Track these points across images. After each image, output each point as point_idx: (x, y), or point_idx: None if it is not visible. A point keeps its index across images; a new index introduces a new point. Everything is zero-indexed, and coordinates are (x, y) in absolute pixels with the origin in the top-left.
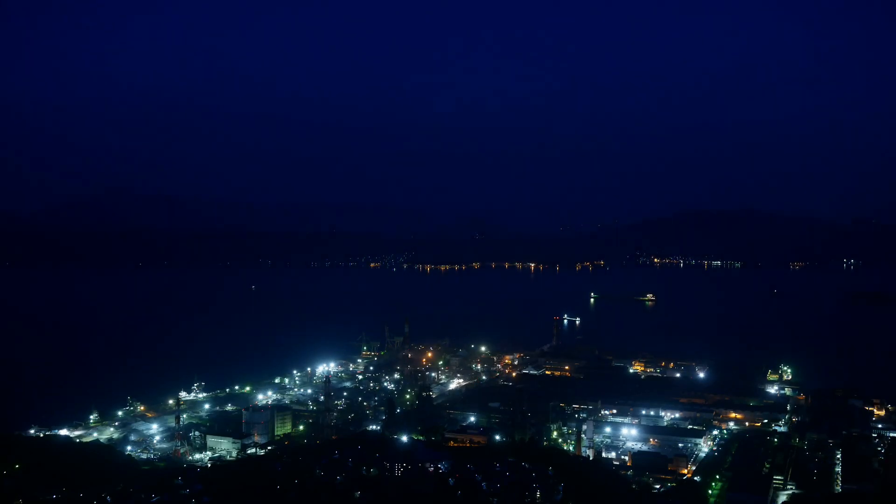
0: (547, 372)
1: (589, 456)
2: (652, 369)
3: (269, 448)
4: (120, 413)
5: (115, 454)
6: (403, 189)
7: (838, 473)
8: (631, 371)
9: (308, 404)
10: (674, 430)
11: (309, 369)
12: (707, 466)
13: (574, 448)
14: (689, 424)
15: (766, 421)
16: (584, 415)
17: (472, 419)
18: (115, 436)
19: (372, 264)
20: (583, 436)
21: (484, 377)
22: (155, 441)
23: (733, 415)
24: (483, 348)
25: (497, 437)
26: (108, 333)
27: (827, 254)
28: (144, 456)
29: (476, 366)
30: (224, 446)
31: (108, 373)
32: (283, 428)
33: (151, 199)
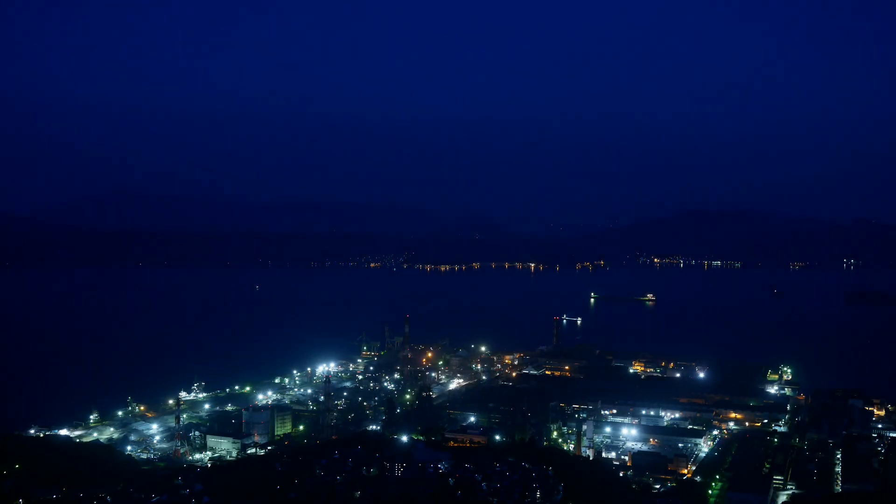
0: (547, 372)
1: (589, 456)
2: (652, 369)
3: (269, 448)
4: (120, 413)
5: (115, 454)
6: (403, 189)
7: (838, 473)
8: (631, 371)
9: (308, 404)
10: (674, 430)
11: (309, 369)
12: (707, 466)
13: (574, 448)
14: (689, 424)
15: (766, 421)
16: (584, 415)
17: (472, 419)
18: (115, 436)
19: (372, 264)
20: (583, 436)
21: (484, 377)
22: (155, 441)
23: (733, 415)
24: (483, 348)
25: (497, 437)
26: (109, 333)
27: (827, 254)
28: (144, 456)
29: (476, 366)
30: (224, 446)
31: (108, 373)
32: (283, 428)
33: (152, 199)
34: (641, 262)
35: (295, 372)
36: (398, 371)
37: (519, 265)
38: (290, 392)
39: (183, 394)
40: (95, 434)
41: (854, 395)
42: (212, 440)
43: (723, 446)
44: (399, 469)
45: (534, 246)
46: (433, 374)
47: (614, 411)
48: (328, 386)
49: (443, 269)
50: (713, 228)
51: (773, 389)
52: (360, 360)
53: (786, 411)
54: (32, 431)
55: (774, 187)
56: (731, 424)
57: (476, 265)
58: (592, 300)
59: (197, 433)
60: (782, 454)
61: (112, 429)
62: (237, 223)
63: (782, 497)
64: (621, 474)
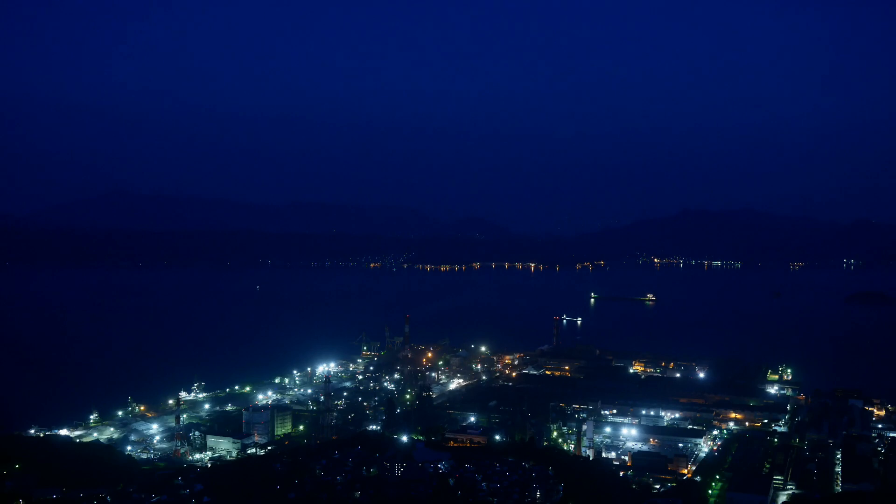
0: (547, 372)
1: (589, 456)
2: (652, 369)
3: (269, 448)
4: (120, 413)
5: (115, 454)
6: (403, 189)
7: (838, 473)
8: (631, 371)
9: (308, 404)
10: (674, 430)
11: (309, 369)
12: (707, 466)
13: (574, 448)
14: (689, 424)
15: (766, 421)
16: (584, 415)
17: (472, 419)
18: (115, 436)
19: (372, 264)
20: (583, 436)
21: (484, 377)
22: (155, 441)
23: (733, 415)
24: (483, 348)
25: (497, 437)
26: (109, 333)
27: (827, 254)
28: (144, 456)
29: (476, 366)
30: (224, 446)
31: (108, 373)
32: (283, 428)
33: (151, 199)
34: (641, 262)
35: (295, 372)
36: (398, 371)
37: (519, 265)
38: (290, 392)
39: (183, 394)
40: (95, 434)
41: (854, 395)
42: (212, 440)
43: (723, 446)
44: (399, 469)
45: (534, 246)
46: (433, 374)
47: (614, 411)
48: (328, 386)
49: (443, 269)
50: (713, 228)
51: (773, 389)
52: (360, 360)
53: (786, 411)
54: (32, 431)
55: (774, 187)
56: (731, 424)
57: (476, 265)
58: (592, 300)
59: (197, 433)
60: (782, 454)
61: (112, 429)
62: (237, 223)
63: (782, 497)
64: (621, 474)
